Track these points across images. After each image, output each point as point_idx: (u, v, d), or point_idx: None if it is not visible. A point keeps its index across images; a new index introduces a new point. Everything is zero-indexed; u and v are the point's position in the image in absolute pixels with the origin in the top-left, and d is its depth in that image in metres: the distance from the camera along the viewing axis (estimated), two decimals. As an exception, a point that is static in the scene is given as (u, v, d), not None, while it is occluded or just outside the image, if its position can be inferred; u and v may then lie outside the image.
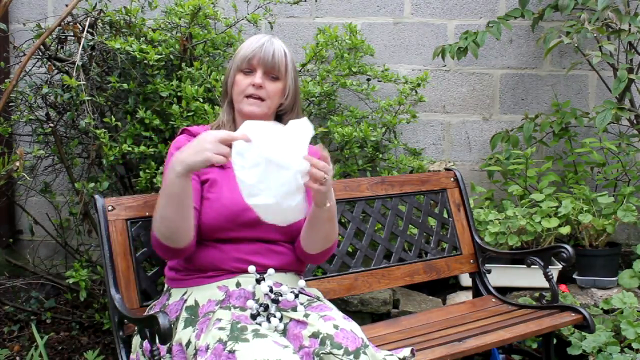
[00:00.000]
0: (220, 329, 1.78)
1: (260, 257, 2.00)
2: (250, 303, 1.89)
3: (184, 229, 1.89)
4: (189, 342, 1.84)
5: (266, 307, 1.88)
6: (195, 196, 1.97)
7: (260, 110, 2.05)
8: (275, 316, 1.86)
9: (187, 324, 1.89)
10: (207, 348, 1.75)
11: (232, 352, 1.70)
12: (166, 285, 2.09)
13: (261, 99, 2.05)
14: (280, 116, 2.14)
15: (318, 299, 2.05)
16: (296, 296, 1.92)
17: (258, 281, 1.91)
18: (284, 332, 1.87)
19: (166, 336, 1.74)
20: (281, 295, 1.90)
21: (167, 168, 1.93)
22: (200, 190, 2.01)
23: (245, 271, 1.94)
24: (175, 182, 1.81)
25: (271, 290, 1.89)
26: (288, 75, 2.09)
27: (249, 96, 2.05)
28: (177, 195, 1.83)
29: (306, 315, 1.88)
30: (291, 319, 1.89)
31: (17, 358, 3.08)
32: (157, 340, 1.79)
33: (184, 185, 1.82)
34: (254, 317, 1.87)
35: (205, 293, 1.96)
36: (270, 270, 1.92)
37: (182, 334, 1.87)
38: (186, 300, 1.96)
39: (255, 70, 2.05)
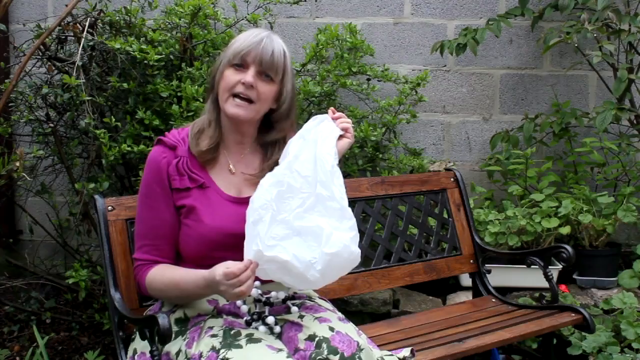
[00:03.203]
0: (213, 336, 1.76)
1: None
2: (245, 308, 1.87)
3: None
4: (179, 352, 1.80)
5: (260, 314, 1.85)
6: (173, 231, 1.91)
7: (246, 113, 1.87)
8: (270, 316, 1.85)
9: (176, 335, 1.85)
10: (200, 356, 1.72)
11: (225, 359, 1.67)
12: None
13: (249, 101, 1.87)
14: (271, 123, 1.97)
15: (310, 298, 2.01)
16: (289, 298, 1.91)
17: None
18: (279, 336, 1.84)
19: (166, 336, 1.73)
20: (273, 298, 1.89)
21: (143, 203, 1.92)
22: (177, 221, 1.91)
23: None
24: (199, 294, 1.85)
25: (262, 295, 1.88)
26: (285, 78, 1.90)
27: (236, 95, 1.86)
28: (194, 298, 1.89)
29: (301, 317, 1.86)
30: (286, 321, 1.87)
31: (17, 358, 3.07)
32: (157, 341, 1.79)
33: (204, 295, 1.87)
34: (248, 323, 1.84)
35: (194, 308, 1.91)
36: (257, 283, 1.85)
37: (172, 345, 1.83)
38: (174, 312, 1.91)
39: (248, 67, 1.85)
